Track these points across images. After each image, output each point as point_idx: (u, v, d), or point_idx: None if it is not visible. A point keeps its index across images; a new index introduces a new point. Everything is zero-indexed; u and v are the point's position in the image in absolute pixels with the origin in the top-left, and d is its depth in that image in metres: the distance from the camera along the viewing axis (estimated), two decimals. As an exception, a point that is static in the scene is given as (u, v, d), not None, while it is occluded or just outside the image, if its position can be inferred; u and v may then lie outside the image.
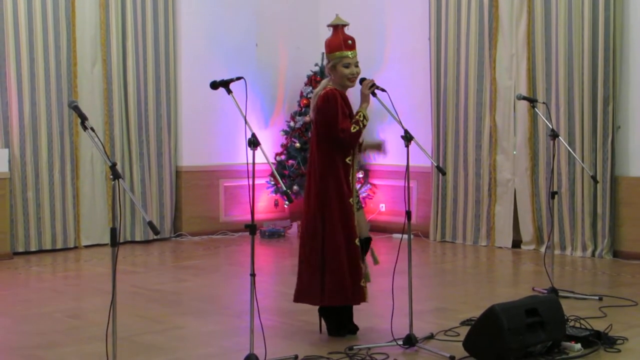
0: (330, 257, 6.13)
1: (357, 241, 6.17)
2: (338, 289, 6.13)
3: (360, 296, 6.21)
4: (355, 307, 6.42)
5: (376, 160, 12.13)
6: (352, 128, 6.08)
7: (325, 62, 6.44)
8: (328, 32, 6.48)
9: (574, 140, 10.03)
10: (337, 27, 6.37)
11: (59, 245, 10.56)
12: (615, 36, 9.77)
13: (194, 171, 11.83)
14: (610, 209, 9.86)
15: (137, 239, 11.26)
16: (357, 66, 6.27)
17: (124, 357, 5.42)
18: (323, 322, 6.40)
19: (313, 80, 11.96)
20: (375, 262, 6.48)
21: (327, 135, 6.15)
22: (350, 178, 6.21)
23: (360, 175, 11.94)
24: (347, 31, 6.39)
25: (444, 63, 11.27)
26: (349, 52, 6.24)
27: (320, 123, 6.20)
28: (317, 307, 6.40)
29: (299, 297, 6.33)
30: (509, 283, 8.96)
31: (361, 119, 6.13)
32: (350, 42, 6.27)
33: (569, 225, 10.17)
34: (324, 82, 6.38)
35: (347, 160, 6.20)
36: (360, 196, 6.50)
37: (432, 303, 7.59)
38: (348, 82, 6.25)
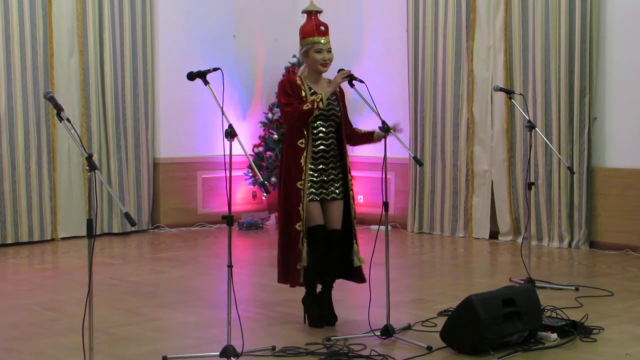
0: (279, 240, 6.40)
1: (298, 225, 6.22)
2: (279, 270, 6.39)
3: (292, 280, 6.31)
4: (333, 298, 6.44)
5: (354, 151, 12.14)
6: (304, 106, 6.13)
7: (299, 49, 6.46)
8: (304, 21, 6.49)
9: (550, 132, 10.07)
10: (311, 13, 6.41)
11: (36, 238, 10.50)
12: (591, 28, 9.81)
13: (172, 163, 11.79)
14: (586, 200, 9.91)
15: (115, 231, 11.22)
16: (329, 52, 6.32)
17: (101, 349, 5.41)
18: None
19: (291, 72, 11.92)
20: (359, 261, 6.47)
21: (281, 116, 6.37)
22: (302, 161, 6.23)
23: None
24: (324, 19, 6.40)
25: (422, 55, 11.28)
26: (322, 38, 6.28)
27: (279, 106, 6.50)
28: (296, 298, 6.43)
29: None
30: (486, 274, 8.99)
31: (318, 99, 6.14)
32: (322, 28, 6.32)
33: (545, 216, 10.21)
34: (300, 69, 6.51)
35: (299, 143, 6.24)
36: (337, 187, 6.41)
37: (409, 294, 7.61)
38: (320, 67, 6.30)
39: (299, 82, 6.33)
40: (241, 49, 12.44)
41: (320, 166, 6.30)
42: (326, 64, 6.30)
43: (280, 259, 6.37)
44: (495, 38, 10.61)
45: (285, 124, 6.32)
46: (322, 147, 6.30)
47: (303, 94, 6.27)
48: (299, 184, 6.24)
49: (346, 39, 11.40)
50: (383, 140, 6.03)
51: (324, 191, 6.32)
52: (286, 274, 6.34)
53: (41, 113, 10.52)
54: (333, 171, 6.35)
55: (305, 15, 6.53)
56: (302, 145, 6.25)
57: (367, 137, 6.45)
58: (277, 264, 6.43)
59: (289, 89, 6.28)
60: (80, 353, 4.81)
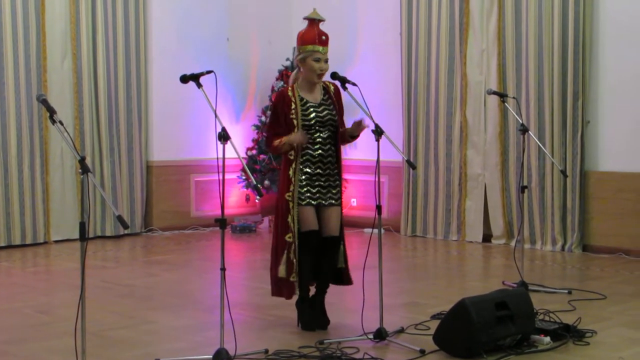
0: (271, 249, 6.44)
1: (287, 237, 6.24)
2: (271, 282, 6.40)
3: (287, 292, 6.32)
4: (327, 301, 6.44)
5: (347, 154, 12.17)
6: (275, 141, 6.26)
7: (295, 54, 6.45)
8: (299, 27, 6.49)
9: (543, 135, 10.09)
10: (313, 21, 6.40)
11: (29, 241, 10.47)
12: (584, 31, 9.83)
13: (165, 166, 11.78)
14: (579, 203, 9.93)
15: (108, 234, 11.20)
16: (326, 62, 6.31)
17: (94, 352, 5.40)
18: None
19: (284, 75, 11.94)
20: (341, 263, 6.48)
21: None
22: (291, 173, 6.25)
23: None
24: (321, 26, 6.42)
25: (415, 58, 11.29)
26: (321, 48, 6.28)
27: None
28: (289, 301, 6.43)
29: None
30: (479, 277, 9.00)
31: (282, 143, 6.21)
32: (324, 37, 6.33)
33: (538, 219, 10.23)
34: (293, 73, 6.49)
35: (289, 155, 6.29)
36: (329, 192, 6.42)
37: (402, 297, 7.61)
38: (316, 78, 6.29)
39: (290, 93, 6.32)
40: (235, 52, 12.44)
41: (318, 170, 6.30)
42: (322, 74, 6.30)
43: (273, 271, 6.38)
44: (489, 42, 10.63)
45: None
46: (320, 151, 6.30)
47: (293, 106, 6.27)
48: (287, 196, 6.27)
49: (340, 42, 11.39)
50: (377, 144, 6.02)
51: (322, 196, 6.32)
52: (280, 287, 6.32)
53: (34, 116, 10.50)
54: (330, 177, 6.35)
55: (305, 22, 6.47)
56: (292, 157, 6.28)
57: (343, 136, 6.42)
58: (270, 278, 6.42)
59: (279, 108, 6.31)
60: (73, 356, 4.80)
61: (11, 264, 9.47)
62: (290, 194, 6.25)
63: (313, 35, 6.31)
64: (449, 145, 11.03)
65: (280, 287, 6.32)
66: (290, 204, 6.24)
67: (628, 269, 8.95)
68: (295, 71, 6.49)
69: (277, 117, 6.33)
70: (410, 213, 11.43)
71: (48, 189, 10.69)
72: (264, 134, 6.41)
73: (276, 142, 6.24)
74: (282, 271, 6.25)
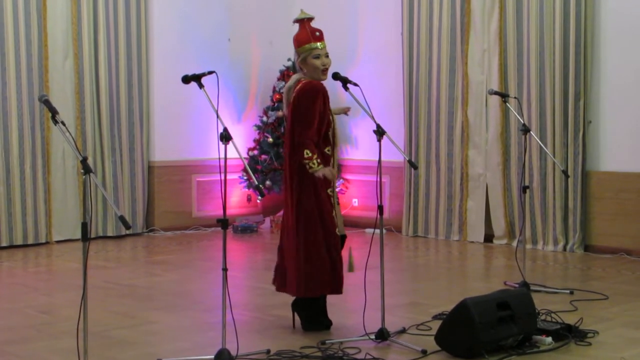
0: (309, 249, 6.12)
1: (337, 230, 6.19)
2: (316, 280, 6.14)
3: (338, 286, 6.21)
4: (328, 302, 6.43)
5: (349, 154, 12.17)
6: (305, 153, 6.00)
7: (295, 58, 6.41)
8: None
9: (545, 135, 10.08)
10: (303, 21, 6.37)
11: (31, 241, 10.48)
12: (586, 31, 9.83)
13: (167, 166, 11.77)
14: (581, 203, 9.92)
15: (110, 234, 11.20)
16: (327, 57, 6.27)
17: (95, 352, 5.40)
18: (296, 317, 6.42)
19: (286, 75, 11.92)
20: (350, 269, 6.48)
21: (296, 125, 6.12)
22: (332, 168, 6.21)
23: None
24: (317, 24, 6.40)
25: (417, 58, 11.29)
26: (318, 44, 6.24)
27: (297, 110, 6.14)
28: (290, 302, 6.42)
29: (280, 286, 6.39)
30: (481, 277, 8.99)
31: (312, 162, 5.99)
32: (317, 33, 6.29)
33: (540, 219, 10.22)
34: (295, 76, 6.38)
35: (326, 150, 6.21)
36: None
37: (404, 297, 7.61)
38: (321, 75, 6.25)
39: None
40: (236, 53, 12.44)
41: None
42: (326, 70, 6.25)
43: (312, 268, 6.13)
44: (490, 41, 10.62)
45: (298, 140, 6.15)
46: (333, 152, 6.33)
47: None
48: (329, 191, 6.21)
49: (341, 42, 11.41)
50: (378, 144, 6.02)
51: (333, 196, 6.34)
52: (332, 282, 6.18)
53: (36, 116, 10.51)
54: None
55: (297, 25, 6.46)
56: (329, 153, 6.22)
57: None
58: (301, 275, 6.16)
59: (319, 102, 6.11)
60: (75, 356, 4.80)
61: (13, 264, 9.47)
62: (331, 189, 6.21)
63: (306, 34, 6.28)
64: (451, 145, 11.03)
65: (315, 283, 6.15)
66: (332, 199, 6.21)
67: (630, 269, 8.95)
68: (297, 74, 6.40)
69: (315, 115, 6.07)
70: (412, 213, 11.43)
71: (50, 189, 10.69)
72: (299, 137, 6.10)
73: (306, 153, 5.98)
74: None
